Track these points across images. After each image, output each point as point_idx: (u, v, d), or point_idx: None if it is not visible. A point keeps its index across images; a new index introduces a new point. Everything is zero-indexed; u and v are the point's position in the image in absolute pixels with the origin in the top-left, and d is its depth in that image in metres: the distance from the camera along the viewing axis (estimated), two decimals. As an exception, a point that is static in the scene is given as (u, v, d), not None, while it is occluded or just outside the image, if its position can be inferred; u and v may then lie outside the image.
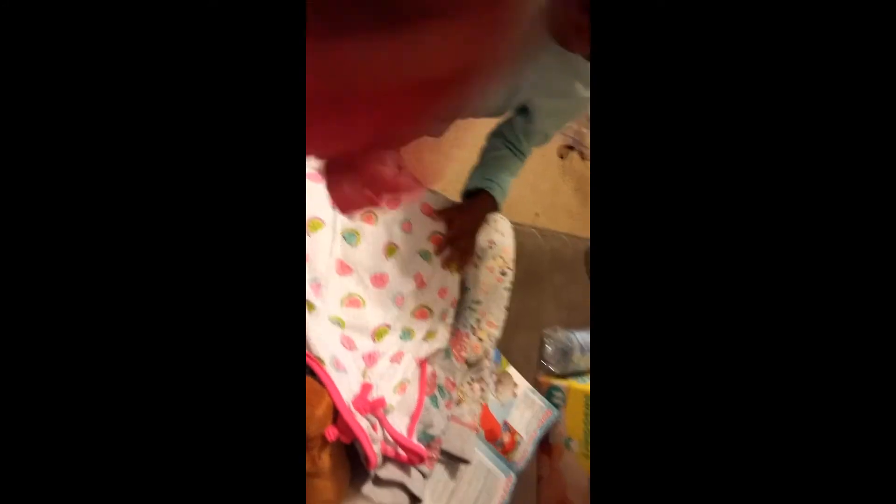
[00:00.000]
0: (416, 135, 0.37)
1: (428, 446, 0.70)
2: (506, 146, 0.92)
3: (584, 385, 0.96)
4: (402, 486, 0.66)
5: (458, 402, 0.81)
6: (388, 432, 0.64)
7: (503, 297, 0.91)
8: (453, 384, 0.79)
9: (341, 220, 0.75)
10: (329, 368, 0.59)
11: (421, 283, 0.79)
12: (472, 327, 0.86)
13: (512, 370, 0.96)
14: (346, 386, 0.60)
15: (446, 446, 0.76)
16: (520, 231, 1.01)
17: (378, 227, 0.77)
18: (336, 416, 0.58)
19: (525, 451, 0.92)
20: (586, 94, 0.84)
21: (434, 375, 0.78)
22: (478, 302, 0.88)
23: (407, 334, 0.75)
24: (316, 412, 0.55)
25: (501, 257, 0.93)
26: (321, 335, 0.63)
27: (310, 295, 0.67)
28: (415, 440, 0.67)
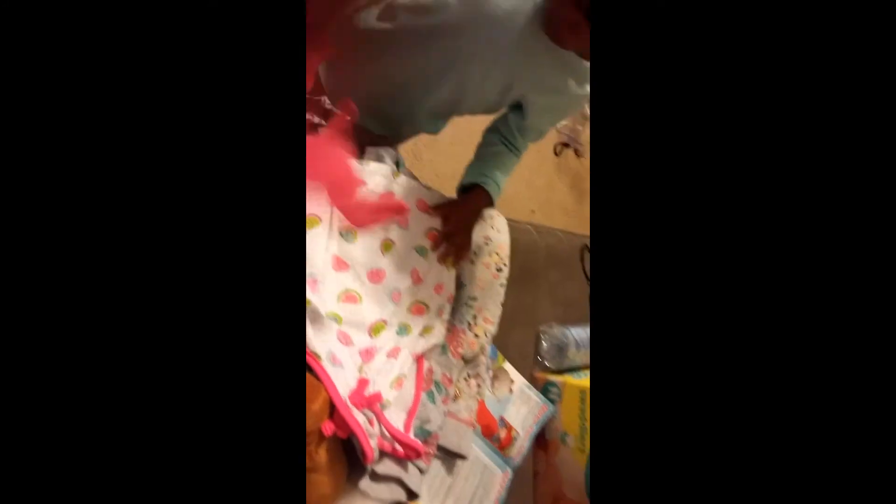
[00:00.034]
0: None
1: (425, 442, 0.70)
2: (501, 142, 0.92)
3: (579, 380, 0.97)
4: (399, 482, 0.66)
5: (455, 398, 0.81)
6: (385, 427, 0.64)
7: (499, 293, 0.91)
8: (450, 380, 0.80)
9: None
10: (325, 364, 0.59)
11: (417, 279, 0.79)
12: (469, 323, 0.86)
13: (508, 366, 0.97)
14: (342, 381, 0.60)
15: (443, 442, 0.76)
16: (515, 227, 1.01)
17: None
18: (332, 410, 0.58)
19: (521, 446, 0.92)
20: (580, 90, 0.84)
21: (431, 371, 0.78)
22: (474, 298, 0.88)
23: (403, 330, 0.75)
24: (312, 407, 0.55)
25: (497, 253, 0.93)
26: (318, 331, 0.63)
27: (306, 291, 0.67)
28: (411, 436, 0.67)
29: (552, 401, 0.99)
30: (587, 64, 0.80)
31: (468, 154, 0.96)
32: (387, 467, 0.65)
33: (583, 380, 0.97)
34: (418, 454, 0.66)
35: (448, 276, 0.83)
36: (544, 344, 1.06)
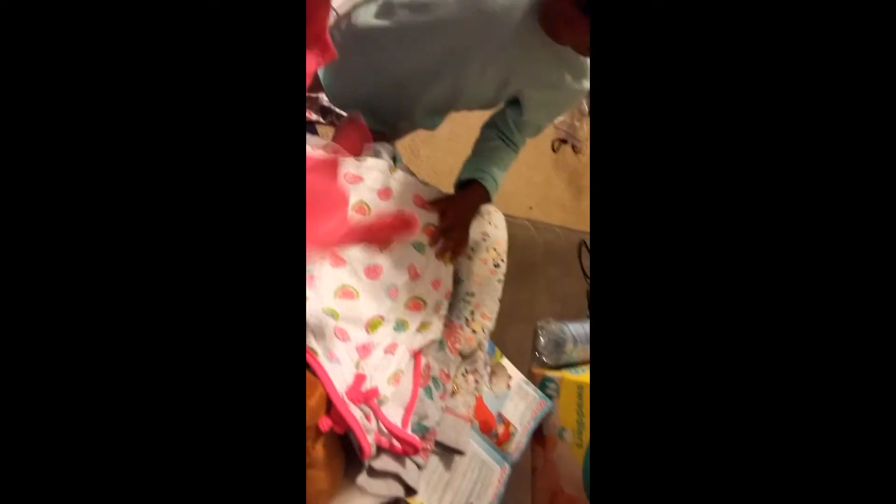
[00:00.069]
0: None
1: (422, 437, 0.70)
2: (499, 137, 0.92)
3: (577, 376, 0.97)
4: (397, 478, 0.66)
5: (453, 394, 0.81)
6: (383, 423, 0.64)
7: (496, 289, 0.91)
8: (448, 376, 0.80)
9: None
10: (322, 359, 0.59)
11: (415, 275, 0.79)
12: (466, 319, 0.86)
13: (506, 362, 0.97)
14: (339, 377, 0.60)
15: (441, 438, 0.76)
16: (513, 223, 1.01)
17: (371, 219, 0.77)
18: (329, 406, 0.58)
19: (519, 442, 0.92)
20: (577, 85, 0.84)
21: (428, 367, 0.78)
22: (471, 294, 0.88)
23: (401, 326, 0.75)
24: (309, 403, 0.55)
25: (495, 249, 0.93)
26: (314, 327, 0.63)
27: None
28: (409, 431, 0.67)
29: (550, 396, 0.99)
30: (584, 59, 0.80)
31: (466, 150, 0.96)
32: (384, 463, 0.65)
33: (580, 375, 0.97)
34: (416, 450, 0.66)
35: (445, 271, 0.83)
36: (542, 340, 1.06)
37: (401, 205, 0.81)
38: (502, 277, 0.92)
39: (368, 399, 0.61)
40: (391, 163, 0.83)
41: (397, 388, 0.70)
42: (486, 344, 0.87)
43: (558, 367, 1.05)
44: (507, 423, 0.92)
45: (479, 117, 0.96)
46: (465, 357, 0.85)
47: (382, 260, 0.76)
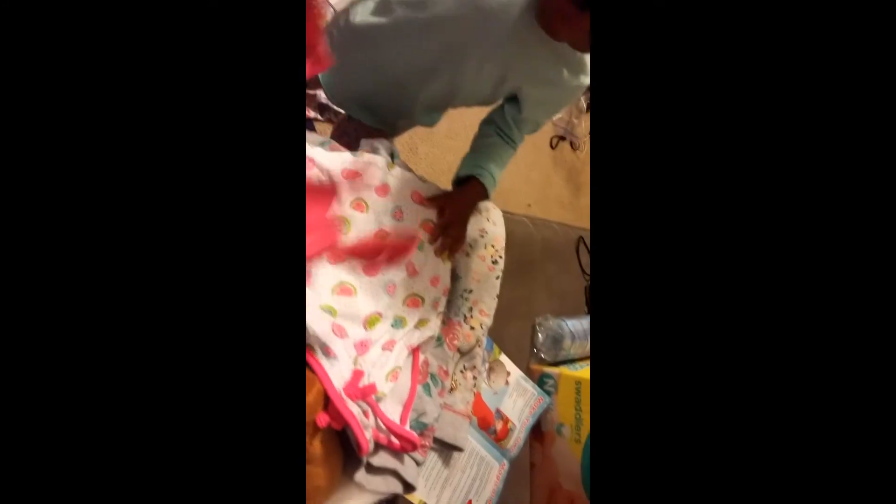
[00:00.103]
0: None
1: (421, 434, 0.70)
2: (497, 134, 0.91)
3: (575, 372, 0.97)
4: (395, 474, 0.66)
5: (451, 391, 0.81)
6: (381, 420, 0.64)
7: (495, 285, 0.91)
8: (446, 372, 0.80)
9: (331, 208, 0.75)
10: (319, 356, 0.59)
11: (413, 272, 0.79)
12: (465, 316, 0.86)
13: (504, 358, 0.97)
14: (336, 373, 0.60)
15: (439, 434, 0.76)
16: (511, 220, 1.01)
17: (369, 216, 0.77)
18: (327, 402, 0.58)
19: (517, 438, 0.93)
20: (576, 82, 0.84)
21: (426, 363, 0.78)
22: (469, 291, 0.88)
23: (399, 322, 0.75)
24: (306, 399, 0.55)
25: (493, 246, 0.93)
26: (312, 323, 0.63)
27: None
28: (408, 428, 0.67)
29: (548, 392, 0.99)
30: (581, 55, 0.80)
31: (464, 148, 0.96)
32: (383, 459, 0.64)
33: (578, 371, 0.97)
34: (414, 446, 0.66)
35: (444, 268, 0.83)
36: (540, 336, 1.06)
37: (398, 201, 0.81)
38: (500, 274, 0.92)
39: (366, 395, 0.61)
40: (389, 159, 0.83)
41: (395, 385, 0.70)
42: (484, 340, 0.87)
43: (556, 364, 1.05)
44: (505, 420, 0.92)
45: (477, 114, 0.96)
46: (464, 354, 0.85)
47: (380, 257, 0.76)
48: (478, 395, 0.88)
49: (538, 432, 0.99)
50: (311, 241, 0.61)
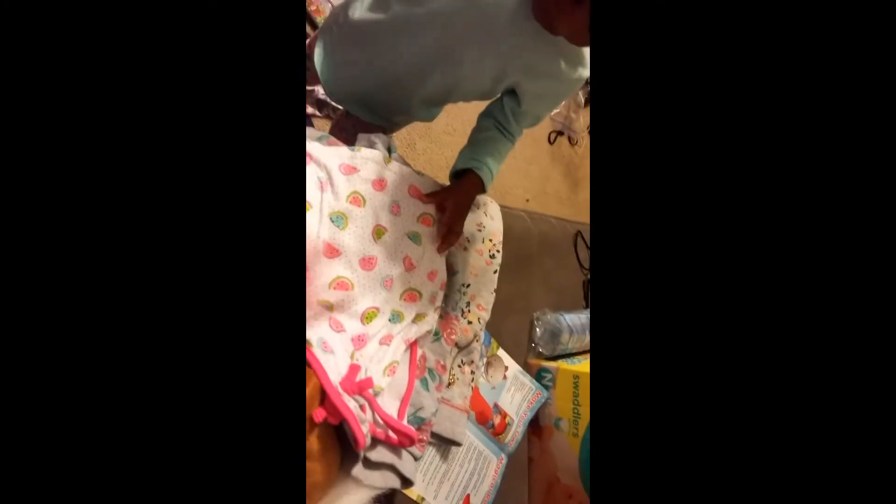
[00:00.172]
0: None
1: (419, 429, 0.70)
2: (495, 127, 0.91)
3: (573, 366, 0.97)
4: (393, 469, 0.66)
5: (449, 385, 0.81)
6: (379, 414, 0.63)
7: (492, 280, 0.91)
8: (444, 367, 0.80)
9: (328, 203, 0.74)
10: (316, 350, 0.59)
11: (410, 266, 0.79)
12: (462, 310, 0.86)
13: (502, 353, 0.97)
14: (333, 367, 0.60)
15: (437, 429, 0.76)
16: (509, 214, 1.01)
17: (366, 210, 0.77)
18: (323, 397, 0.57)
19: (515, 432, 0.93)
20: (574, 74, 0.83)
21: (424, 358, 0.78)
22: (467, 285, 0.88)
23: (396, 317, 0.75)
24: (304, 394, 0.55)
25: (490, 240, 0.93)
26: (309, 318, 0.63)
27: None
28: (405, 422, 0.67)
29: (546, 387, 0.99)
30: (578, 48, 0.79)
31: (462, 143, 0.96)
32: (380, 454, 0.64)
33: (576, 365, 0.97)
34: (412, 441, 0.66)
35: (441, 262, 0.83)
36: (538, 330, 1.06)
37: (396, 196, 0.81)
38: (498, 268, 0.92)
39: (363, 389, 0.61)
40: (386, 153, 0.83)
41: (393, 380, 0.70)
42: (482, 335, 0.87)
43: (554, 358, 1.05)
44: (503, 414, 0.92)
45: (476, 110, 0.96)
46: (462, 348, 0.85)
47: (377, 251, 0.76)
48: (476, 390, 0.88)
49: (536, 427, 0.99)
50: None
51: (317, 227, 0.72)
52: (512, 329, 1.02)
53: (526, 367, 1.02)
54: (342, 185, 0.76)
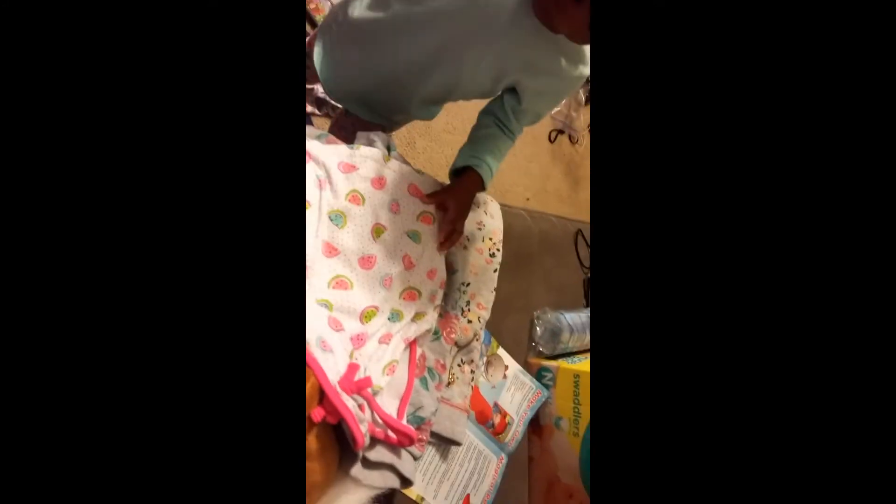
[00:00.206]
0: None
1: (418, 428, 0.70)
2: (495, 124, 0.91)
3: (573, 365, 0.97)
4: (393, 468, 0.65)
5: (449, 384, 0.81)
6: (378, 414, 0.63)
7: (492, 278, 0.91)
8: (443, 366, 0.79)
9: (327, 202, 0.74)
10: (314, 349, 0.59)
11: (409, 265, 0.78)
12: (462, 309, 0.86)
13: (502, 352, 0.96)
14: (331, 366, 0.59)
15: (437, 428, 0.76)
16: (509, 213, 1.01)
17: (365, 209, 0.77)
18: (322, 396, 0.57)
19: (516, 431, 0.93)
20: (575, 72, 0.83)
21: (424, 357, 0.77)
22: (467, 284, 0.88)
23: (395, 316, 0.75)
24: (302, 394, 0.55)
25: (490, 239, 0.93)
26: (308, 317, 0.63)
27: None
28: (405, 422, 0.67)
29: (546, 386, 0.99)
30: (579, 46, 0.79)
31: (462, 142, 0.96)
32: (379, 454, 0.64)
33: (576, 364, 0.97)
34: (411, 441, 0.66)
35: (440, 261, 0.83)
36: (538, 329, 1.06)
37: (395, 195, 0.80)
38: (498, 267, 0.92)
39: (361, 388, 0.60)
40: (385, 152, 0.83)
41: (392, 379, 0.70)
42: (482, 334, 0.87)
43: (555, 357, 1.05)
44: (503, 413, 0.92)
45: (476, 108, 0.96)
46: (461, 347, 0.84)
47: (376, 250, 0.76)
48: (476, 389, 0.88)
49: (536, 426, 0.99)
50: None
51: (316, 226, 0.72)
52: (512, 328, 1.02)
53: (526, 366, 1.01)
54: (341, 184, 0.76)
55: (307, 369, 0.57)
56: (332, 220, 0.74)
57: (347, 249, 0.73)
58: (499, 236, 0.94)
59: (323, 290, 0.70)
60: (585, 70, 0.83)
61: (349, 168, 0.78)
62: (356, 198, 0.77)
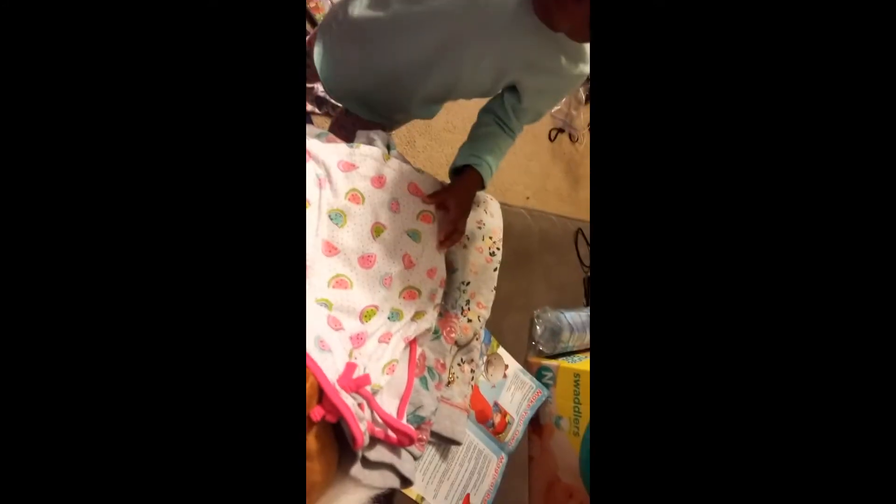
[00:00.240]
0: None
1: (418, 428, 0.70)
2: (495, 123, 0.91)
3: (573, 364, 0.96)
4: (392, 468, 0.65)
5: (449, 384, 0.81)
6: (377, 413, 0.63)
7: (492, 277, 0.90)
8: (443, 365, 0.79)
9: (327, 201, 0.74)
10: (313, 348, 0.59)
11: (409, 264, 0.78)
12: (462, 308, 0.86)
13: (502, 351, 0.96)
14: (330, 365, 0.59)
15: (437, 428, 0.76)
16: (509, 212, 1.01)
17: (365, 208, 0.76)
18: (321, 397, 0.57)
19: (516, 431, 0.92)
20: (575, 70, 0.83)
21: (423, 357, 0.77)
22: (467, 283, 0.87)
23: (395, 315, 0.75)
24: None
25: (490, 238, 0.92)
26: (307, 316, 0.62)
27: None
28: (405, 421, 0.67)
29: (546, 385, 0.99)
30: (579, 44, 0.79)
31: (462, 141, 0.96)
32: (379, 454, 0.64)
33: (577, 364, 0.97)
34: (411, 440, 0.65)
35: (440, 260, 0.83)
36: (538, 328, 1.05)
37: (395, 193, 0.80)
38: (498, 266, 0.91)
39: (360, 386, 0.60)
40: (385, 150, 0.83)
41: (392, 378, 0.69)
42: (481, 333, 0.87)
43: (555, 356, 1.05)
44: (503, 413, 0.92)
45: (476, 107, 0.95)
46: (461, 346, 0.84)
47: (376, 249, 0.76)
48: (476, 389, 0.88)
49: (536, 425, 0.99)
50: None
51: (315, 225, 0.72)
52: (512, 327, 1.02)
53: (526, 365, 1.01)
54: (341, 182, 0.76)
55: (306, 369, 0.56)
56: (331, 219, 0.74)
57: (347, 248, 0.73)
58: (499, 235, 0.94)
59: (322, 290, 0.70)
60: (586, 68, 0.83)
61: (349, 167, 0.78)
62: (356, 197, 0.76)
